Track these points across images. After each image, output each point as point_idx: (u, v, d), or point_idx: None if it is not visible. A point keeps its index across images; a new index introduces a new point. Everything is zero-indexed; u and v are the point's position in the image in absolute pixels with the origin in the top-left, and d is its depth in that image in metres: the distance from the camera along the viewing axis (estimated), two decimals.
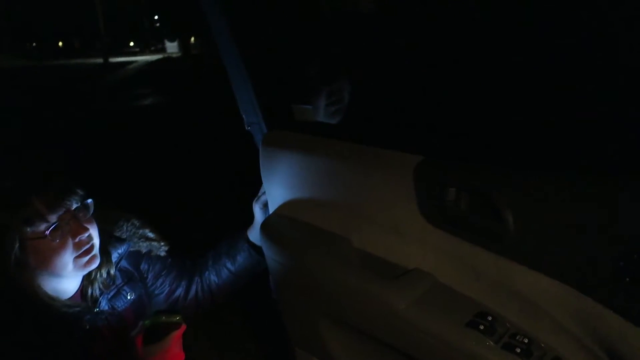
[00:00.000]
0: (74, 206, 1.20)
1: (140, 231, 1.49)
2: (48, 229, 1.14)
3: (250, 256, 1.55)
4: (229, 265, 1.55)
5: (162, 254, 1.52)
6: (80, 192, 1.22)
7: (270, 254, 1.43)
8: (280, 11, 1.44)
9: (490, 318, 0.98)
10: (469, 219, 1.05)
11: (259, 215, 1.54)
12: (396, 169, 1.15)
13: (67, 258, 1.19)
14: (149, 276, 1.48)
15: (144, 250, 1.48)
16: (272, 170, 1.47)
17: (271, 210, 1.51)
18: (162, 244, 1.52)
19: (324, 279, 1.25)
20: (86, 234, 1.21)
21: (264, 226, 1.45)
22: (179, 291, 1.53)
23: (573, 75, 0.96)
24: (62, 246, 1.17)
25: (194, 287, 1.55)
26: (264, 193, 1.51)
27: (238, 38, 1.44)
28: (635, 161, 0.84)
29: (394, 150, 1.17)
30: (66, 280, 1.24)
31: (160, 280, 1.50)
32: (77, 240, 1.19)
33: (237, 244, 1.56)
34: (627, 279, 0.80)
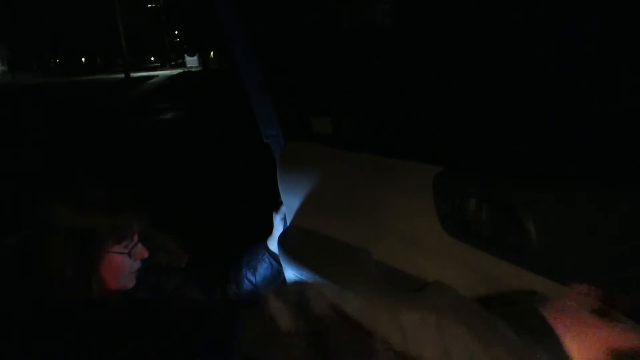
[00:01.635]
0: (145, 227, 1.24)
1: (162, 244, 1.50)
2: (131, 247, 1.18)
3: (271, 266, 1.55)
4: (249, 276, 1.55)
5: (183, 265, 1.52)
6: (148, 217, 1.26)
7: (288, 268, 1.42)
8: (298, 23, 1.45)
9: None
10: (489, 230, 1.03)
11: (278, 226, 1.54)
12: (415, 180, 1.14)
13: (126, 274, 1.21)
14: (169, 289, 1.48)
15: (164, 263, 1.49)
16: (289, 182, 1.47)
17: (288, 222, 1.51)
18: (182, 256, 1.53)
19: (342, 292, 1.24)
20: (146, 256, 1.24)
21: (282, 239, 1.45)
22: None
23: (598, 83, 0.94)
24: (130, 265, 1.20)
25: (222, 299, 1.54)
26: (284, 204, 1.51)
27: (256, 51, 1.45)
28: None
29: (413, 161, 1.16)
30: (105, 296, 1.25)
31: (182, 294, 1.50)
32: (137, 262, 1.23)
33: (258, 254, 1.56)
34: None
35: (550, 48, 0.96)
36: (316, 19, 1.45)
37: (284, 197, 1.51)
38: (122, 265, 1.19)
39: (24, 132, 9.90)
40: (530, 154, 1.02)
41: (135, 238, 1.20)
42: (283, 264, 1.45)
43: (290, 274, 1.43)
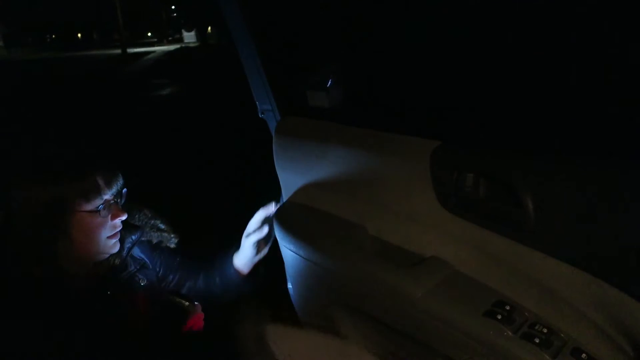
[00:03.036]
0: (117, 190, 1.25)
1: (152, 221, 1.49)
2: (100, 205, 1.19)
3: (237, 280, 1.53)
4: (217, 280, 1.54)
5: (173, 245, 1.52)
6: (122, 178, 1.28)
7: (285, 243, 1.42)
8: None
9: (508, 307, 0.96)
10: (487, 205, 1.03)
11: (247, 250, 1.49)
12: (412, 155, 1.13)
13: (103, 236, 1.23)
14: (161, 269, 1.48)
15: (154, 241, 1.49)
16: (286, 157, 1.46)
17: (285, 197, 1.50)
18: (173, 235, 1.53)
19: (339, 268, 1.24)
20: (123, 217, 1.26)
21: (278, 214, 1.44)
22: (183, 291, 1.53)
23: (594, 60, 0.93)
24: (104, 224, 1.22)
25: (193, 290, 1.54)
26: (256, 230, 1.47)
27: (250, 24, 1.42)
28: None
29: (410, 136, 1.15)
30: (86, 261, 1.27)
31: (171, 277, 1.50)
32: (114, 222, 1.24)
33: (226, 265, 1.54)
34: None
35: (545, 31, 0.94)
36: None
37: (280, 173, 1.50)
38: (94, 224, 1.19)
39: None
40: (527, 129, 1.00)
41: (106, 196, 1.21)
42: (279, 239, 1.45)
43: (286, 249, 1.42)
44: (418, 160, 1.11)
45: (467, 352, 0.97)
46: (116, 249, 1.28)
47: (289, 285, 1.53)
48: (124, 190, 1.28)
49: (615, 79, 0.88)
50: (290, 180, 1.46)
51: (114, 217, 1.23)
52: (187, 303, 1.30)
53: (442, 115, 1.17)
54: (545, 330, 0.91)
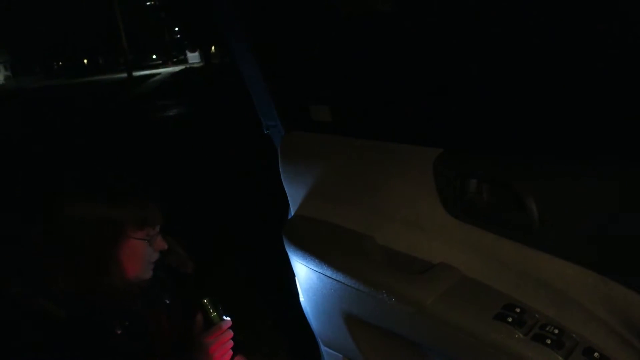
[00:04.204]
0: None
1: (171, 245, 1.51)
2: (153, 236, 1.24)
3: None
4: None
5: (189, 272, 1.54)
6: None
7: (295, 257, 1.43)
8: (293, 12, 1.44)
9: (518, 310, 0.96)
10: (491, 209, 1.04)
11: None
12: (415, 163, 1.14)
13: (145, 263, 1.26)
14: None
15: (173, 265, 1.51)
16: (291, 171, 1.48)
17: (292, 211, 1.51)
18: (189, 262, 1.55)
19: (349, 279, 1.25)
20: (164, 248, 1.29)
21: (286, 228, 1.46)
22: None
23: (592, 64, 0.94)
24: (149, 254, 1.25)
25: None
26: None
27: (252, 41, 1.45)
28: None
29: (413, 145, 1.16)
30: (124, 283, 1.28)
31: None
32: (156, 252, 1.28)
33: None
34: None
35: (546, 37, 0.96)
36: (312, 6, 1.44)
37: (286, 187, 1.52)
38: (142, 252, 1.23)
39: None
40: (528, 134, 1.01)
41: (157, 228, 1.25)
42: (289, 254, 1.46)
43: (297, 263, 1.43)
44: (421, 168, 1.12)
45: (479, 356, 0.97)
46: (149, 275, 1.30)
47: (302, 300, 1.54)
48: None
49: (614, 79, 0.89)
50: (297, 194, 1.48)
51: (157, 247, 1.26)
52: (214, 313, 1.29)
53: (444, 123, 1.18)
54: (556, 331, 0.91)
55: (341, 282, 1.28)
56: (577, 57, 0.93)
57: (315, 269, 1.36)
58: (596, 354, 0.87)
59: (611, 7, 0.82)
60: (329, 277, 1.31)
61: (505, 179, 0.99)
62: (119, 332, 1.22)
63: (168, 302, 1.40)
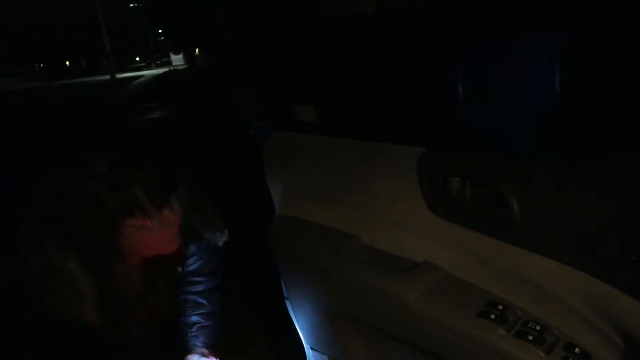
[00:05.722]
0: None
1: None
2: (146, 220, 1.12)
3: None
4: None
5: (220, 244, 1.39)
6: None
7: (280, 256, 1.43)
8: (279, 13, 1.45)
9: (501, 307, 0.97)
10: (474, 208, 1.05)
11: None
12: (399, 163, 1.15)
13: (161, 244, 1.22)
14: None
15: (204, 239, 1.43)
16: (276, 171, 1.48)
17: (277, 211, 1.51)
18: (222, 233, 1.39)
19: (334, 277, 1.25)
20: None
21: (272, 229, 1.46)
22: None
23: (573, 62, 0.95)
24: (151, 234, 1.16)
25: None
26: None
27: (238, 42, 1.45)
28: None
29: (396, 144, 1.17)
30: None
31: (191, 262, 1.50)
32: (167, 228, 1.19)
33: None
34: (635, 259, 0.79)
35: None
36: (298, 7, 1.45)
37: (271, 187, 1.52)
38: (142, 238, 1.14)
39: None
40: (510, 133, 1.03)
41: (150, 209, 1.10)
42: (275, 254, 1.46)
43: (283, 263, 1.44)
44: (405, 167, 1.13)
45: (462, 353, 0.98)
46: (176, 245, 1.24)
47: (286, 298, 1.54)
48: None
49: (596, 79, 0.91)
50: (282, 194, 1.48)
51: (165, 224, 1.15)
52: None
53: (426, 121, 1.19)
54: (538, 328, 0.92)
55: (326, 281, 1.28)
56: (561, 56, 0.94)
57: (300, 269, 1.36)
58: (577, 350, 0.88)
59: None
60: (315, 277, 1.31)
61: (488, 177, 1.00)
62: None
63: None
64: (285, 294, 1.53)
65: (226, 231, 1.37)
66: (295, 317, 1.53)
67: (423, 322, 1.05)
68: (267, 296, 1.77)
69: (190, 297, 1.52)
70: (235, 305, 2.82)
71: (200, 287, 1.53)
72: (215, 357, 1.45)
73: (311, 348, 1.52)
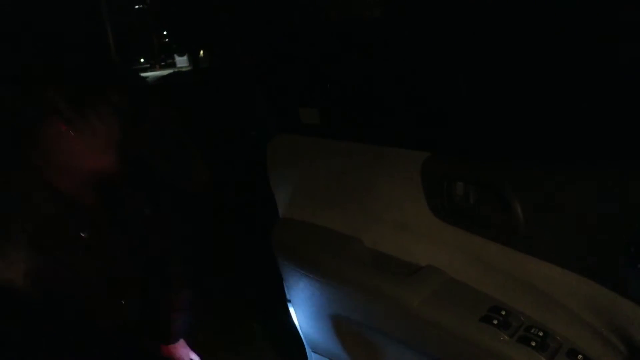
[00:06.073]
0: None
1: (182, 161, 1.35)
2: (67, 123, 1.05)
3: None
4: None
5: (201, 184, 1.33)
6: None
7: (283, 259, 1.43)
8: (285, 16, 1.45)
9: (504, 312, 0.97)
10: (478, 212, 1.05)
11: None
12: (403, 166, 1.15)
13: (89, 155, 1.11)
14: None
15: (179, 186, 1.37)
16: (279, 173, 1.48)
17: (281, 214, 1.51)
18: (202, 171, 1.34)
19: (337, 281, 1.25)
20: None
21: (275, 231, 1.45)
22: None
23: (575, 70, 0.95)
24: (75, 141, 1.08)
25: None
26: None
27: (244, 45, 1.45)
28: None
29: (401, 148, 1.17)
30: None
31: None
32: (96, 138, 1.10)
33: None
34: (639, 266, 0.79)
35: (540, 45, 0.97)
36: (304, 11, 1.45)
37: (274, 190, 1.51)
38: (67, 145, 1.06)
39: None
40: (513, 138, 1.02)
41: (69, 113, 1.04)
42: (277, 257, 1.46)
43: (285, 265, 1.44)
44: (409, 171, 1.13)
45: (465, 358, 0.98)
46: (109, 161, 1.12)
47: (289, 301, 1.54)
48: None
49: (598, 85, 0.91)
50: (285, 197, 1.48)
51: (91, 131, 1.07)
52: None
53: (432, 126, 1.19)
54: (540, 334, 0.92)
55: (329, 284, 1.28)
56: (562, 61, 0.94)
57: (303, 271, 1.36)
58: (580, 356, 0.88)
59: None
60: (318, 279, 1.31)
61: (492, 182, 1.00)
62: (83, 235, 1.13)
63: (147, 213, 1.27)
64: (288, 297, 1.53)
65: (202, 180, 1.31)
66: (298, 320, 1.53)
67: (426, 326, 1.04)
68: (269, 298, 1.77)
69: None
70: (238, 308, 2.82)
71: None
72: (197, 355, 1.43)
73: (313, 351, 1.52)
